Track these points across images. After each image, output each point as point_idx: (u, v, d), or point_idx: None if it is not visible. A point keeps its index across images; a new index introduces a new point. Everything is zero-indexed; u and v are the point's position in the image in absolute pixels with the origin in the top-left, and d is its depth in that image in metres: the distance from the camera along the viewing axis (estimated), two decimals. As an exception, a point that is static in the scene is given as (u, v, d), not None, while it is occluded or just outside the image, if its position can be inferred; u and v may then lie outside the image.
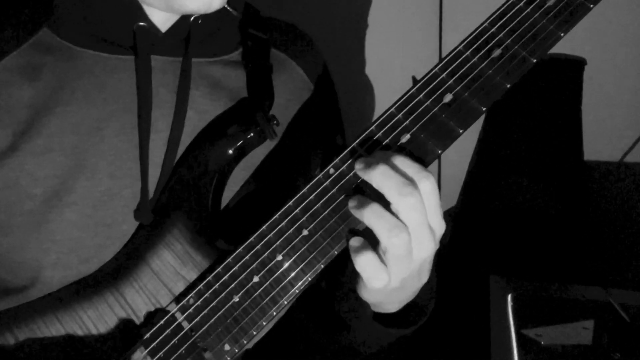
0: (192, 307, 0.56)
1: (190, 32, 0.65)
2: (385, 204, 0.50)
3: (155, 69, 0.64)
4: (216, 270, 0.56)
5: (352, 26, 1.33)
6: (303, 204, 0.54)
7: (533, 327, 1.10)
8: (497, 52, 0.53)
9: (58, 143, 0.60)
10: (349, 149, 0.54)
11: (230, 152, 0.61)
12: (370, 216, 0.49)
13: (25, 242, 0.59)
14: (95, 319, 0.58)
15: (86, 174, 0.61)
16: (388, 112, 0.54)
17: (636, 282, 1.20)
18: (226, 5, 0.63)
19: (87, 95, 0.63)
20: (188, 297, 0.56)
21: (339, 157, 0.54)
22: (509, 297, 1.16)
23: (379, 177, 0.49)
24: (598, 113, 1.34)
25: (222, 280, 0.56)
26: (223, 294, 0.56)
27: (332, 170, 0.54)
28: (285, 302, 0.55)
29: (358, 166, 0.51)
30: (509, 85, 0.53)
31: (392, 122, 0.54)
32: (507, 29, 0.53)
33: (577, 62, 1.31)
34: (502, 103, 1.45)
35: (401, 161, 0.50)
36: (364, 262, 0.50)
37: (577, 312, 1.12)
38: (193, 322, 0.56)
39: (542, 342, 1.08)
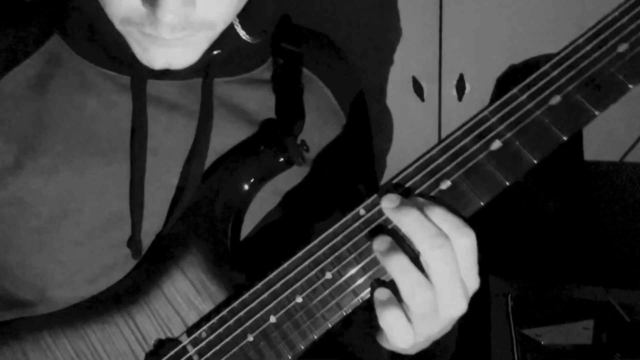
0: (204, 342, 0.53)
1: (208, 60, 0.59)
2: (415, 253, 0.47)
3: (167, 92, 0.61)
4: (232, 305, 0.53)
5: (351, 26, 1.33)
6: (328, 245, 0.50)
7: (533, 327, 1.10)
8: (556, 100, 0.47)
9: (65, 162, 0.58)
10: (382, 190, 0.50)
11: (253, 179, 0.58)
12: (394, 266, 0.46)
13: (29, 261, 0.58)
14: (103, 339, 0.56)
15: (95, 194, 0.58)
16: (428, 155, 0.49)
17: (636, 282, 1.20)
18: (244, 34, 0.59)
19: (97, 114, 0.59)
20: (201, 330, 0.54)
21: (371, 199, 0.50)
22: (509, 297, 1.16)
23: (409, 223, 0.46)
24: (598, 113, 1.33)
25: (237, 316, 0.52)
26: (237, 332, 0.52)
27: (362, 212, 0.50)
28: (303, 347, 0.52)
29: (387, 204, 0.48)
30: (565, 138, 0.47)
31: (432, 166, 0.49)
32: (570, 75, 0.47)
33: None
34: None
35: (439, 213, 0.46)
36: (390, 320, 0.46)
37: (577, 312, 1.12)
38: (204, 358, 0.53)
39: (542, 342, 1.08)
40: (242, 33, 0.59)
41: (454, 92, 1.35)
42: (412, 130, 1.41)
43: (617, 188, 1.37)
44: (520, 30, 1.26)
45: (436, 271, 0.45)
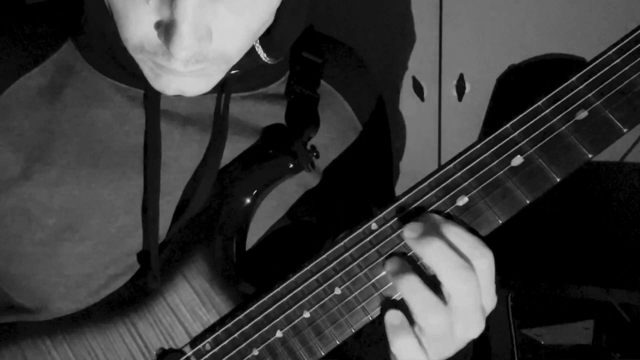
0: (208, 354, 0.52)
1: (224, 78, 0.57)
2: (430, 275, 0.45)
3: (181, 107, 0.59)
4: (237, 318, 0.51)
5: (351, 26, 1.33)
6: (339, 259, 0.49)
7: (533, 327, 1.10)
8: (582, 115, 0.45)
9: (73, 175, 0.56)
10: (396, 204, 0.48)
11: (257, 189, 0.56)
12: (405, 288, 0.45)
13: (33, 274, 0.57)
14: (105, 346, 0.55)
15: (102, 209, 0.56)
16: (445, 169, 0.47)
17: (636, 282, 1.20)
18: (265, 57, 0.57)
19: (108, 128, 0.58)
20: (204, 342, 0.52)
21: (383, 213, 0.48)
22: (509, 297, 1.16)
23: (433, 255, 0.44)
24: (598, 113, 1.33)
25: (242, 329, 0.51)
26: (242, 346, 0.51)
27: (374, 226, 0.48)
28: None
29: (409, 234, 0.46)
30: (591, 156, 0.45)
31: (448, 181, 0.47)
32: (599, 88, 0.45)
33: (577, 62, 1.31)
34: (502, 103, 1.45)
35: (456, 232, 0.44)
36: (402, 345, 0.45)
37: (577, 312, 1.12)
38: None
39: (542, 342, 1.08)
40: (263, 55, 0.57)
41: (454, 92, 1.35)
42: (412, 130, 1.41)
43: (617, 188, 1.37)
44: (520, 30, 1.26)
45: (459, 303, 0.44)
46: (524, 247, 1.32)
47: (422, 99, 1.37)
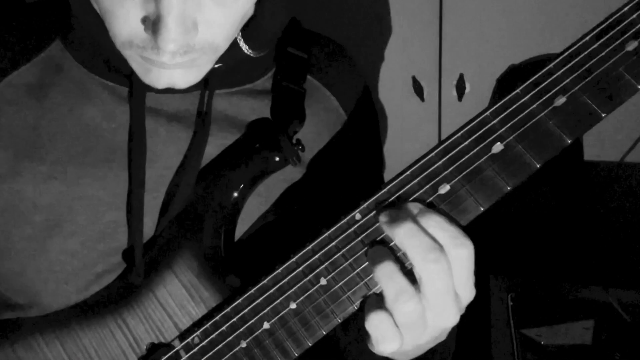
0: (197, 347, 0.53)
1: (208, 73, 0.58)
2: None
3: (166, 104, 0.60)
4: (225, 311, 0.52)
5: (351, 26, 1.33)
6: (324, 250, 0.49)
7: (533, 327, 1.10)
8: (560, 101, 0.45)
9: (61, 172, 0.57)
10: (378, 195, 0.48)
11: (244, 183, 0.57)
12: (381, 274, 0.45)
13: (23, 270, 0.57)
14: (96, 342, 0.56)
15: (90, 205, 0.57)
16: (426, 158, 0.47)
17: (636, 282, 1.20)
18: (247, 49, 0.58)
19: (95, 124, 0.59)
20: (193, 335, 0.53)
21: (367, 203, 0.48)
22: (509, 297, 1.16)
23: (402, 235, 0.44)
24: (598, 113, 1.33)
25: (230, 322, 0.52)
26: (230, 338, 0.51)
27: (358, 216, 0.48)
28: (296, 354, 0.51)
29: (383, 219, 0.47)
30: (570, 141, 0.45)
31: (430, 169, 0.47)
32: (576, 74, 0.45)
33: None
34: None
35: (436, 221, 0.44)
36: (376, 323, 0.45)
37: (577, 312, 1.12)
38: None
39: (542, 342, 1.08)
40: (245, 48, 0.57)
41: (454, 92, 1.35)
42: (412, 130, 1.41)
43: (617, 188, 1.37)
44: (520, 30, 1.26)
45: (429, 286, 0.44)
46: (524, 247, 1.32)
47: (422, 99, 1.37)
